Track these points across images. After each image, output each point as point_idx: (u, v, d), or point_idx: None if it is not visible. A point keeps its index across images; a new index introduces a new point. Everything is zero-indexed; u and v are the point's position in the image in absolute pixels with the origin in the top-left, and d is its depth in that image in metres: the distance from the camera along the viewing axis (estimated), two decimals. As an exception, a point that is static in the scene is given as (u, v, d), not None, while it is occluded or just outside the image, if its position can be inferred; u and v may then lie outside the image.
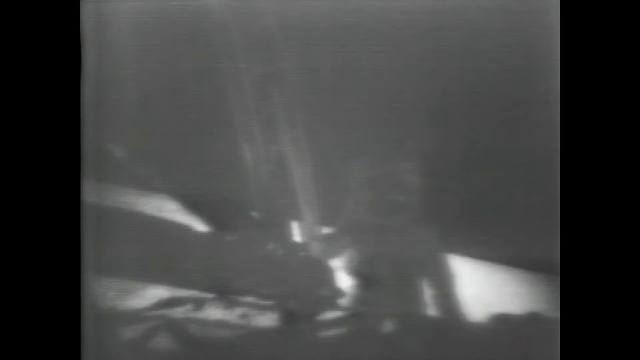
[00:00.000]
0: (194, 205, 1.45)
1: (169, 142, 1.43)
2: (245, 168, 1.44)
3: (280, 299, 1.42)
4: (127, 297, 1.42)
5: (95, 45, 1.39)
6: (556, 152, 1.32)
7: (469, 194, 1.42)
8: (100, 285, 1.40)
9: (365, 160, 1.43)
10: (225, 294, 1.42)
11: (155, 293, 1.43)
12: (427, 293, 1.42)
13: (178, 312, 1.42)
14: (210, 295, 1.42)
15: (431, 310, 1.41)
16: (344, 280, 1.43)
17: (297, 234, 1.45)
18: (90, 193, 1.38)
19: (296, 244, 1.45)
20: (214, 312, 1.42)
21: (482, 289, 1.42)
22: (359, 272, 1.43)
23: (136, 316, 1.42)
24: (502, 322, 1.39)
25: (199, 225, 1.45)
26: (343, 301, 1.43)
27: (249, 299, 1.42)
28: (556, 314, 1.31)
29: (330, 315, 1.42)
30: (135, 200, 1.43)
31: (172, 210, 1.45)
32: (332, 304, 1.43)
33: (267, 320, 1.42)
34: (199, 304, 1.42)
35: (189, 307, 1.42)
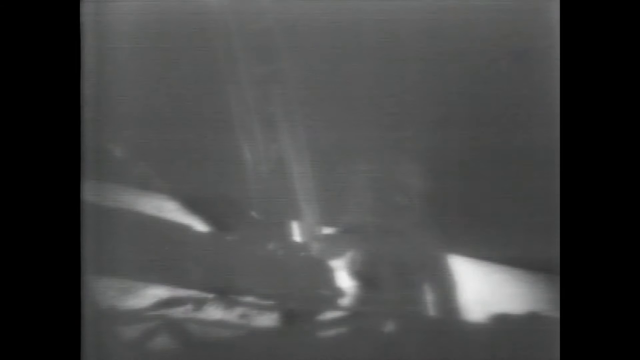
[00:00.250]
0: (194, 205, 1.45)
1: (169, 142, 1.43)
2: (245, 168, 1.44)
3: (280, 299, 1.42)
4: (127, 297, 1.42)
5: (95, 45, 1.39)
6: (556, 152, 1.32)
7: (469, 194, 1.42)
8: (100, 285, 1.40)
9: (365, 160, 1.43)
10: (225, 294, 1.42)
11: (155, 293, 1.43)
12: (427, 293, 1.42)
13: (178, 312, 1.42)
14: (210, 295, 1.42)
15: (431, 310, 1.41)
16: (345, 280, 1.43)
17: (297, 234, 1.45)
18: (90, 193, 1.38)
19: (296, 244, 1.45)
20: (214, 312, 1.42)
21: (482, 289, 1.42)
22: (359, 272, 1.43)
23: (136, 316, 1.42)
24: (502, 322, 1.39)
25: (199, 225, 1.45)
26: (343, 301, 1.43)
27: (249, 299, 1.42)
28: (556, 314, 1.31)
29: (330, 315, 1.42)
30: (135, 200, 1.43)
31: (172, 210, 1.45)
32: (332, 304, 1.43)
33: (267, 320, 1.42)
34: (199, 304, 1.42)
35: (189, 307, 1.42)
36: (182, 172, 1.43)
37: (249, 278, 1.43)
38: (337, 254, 1.45)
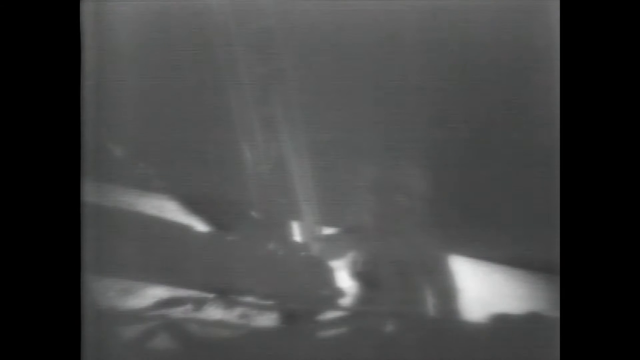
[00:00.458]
0: (194, 205, 1.45)
1: (169, 142, 1.43)
2: (245, 168, 1.44)
3: (280, 299, 1.42)
4: (127, 297, 1.42)
5: (95, 45, 1.39)
6: (556, 151, 1.32)
7: (469, 194, 1.42)
8: (100, 285, 1.40)
9: (365, 160, 1.43)
10: (225, 294, 1.42)
11: (155, 293, 1.43)
12: (427, 293, 1.42)
13: (178, 312, 1.42)
14: (210, 295, 1.42)
15: (431, 310, 1.41)
16: (345, 281, 1.43)
17: (297, 234, 1.45)
18: (90, 193, 1.38)
19: (296, 244, 1.45)
20: (214, 312, 1.42)
21: (482, 289, 1.42)
22: (360, 272, 1.43)
23: (136, 316, 1.42)
24: (502, 322, 1.39)
25: (199, 225, 1.45)
26: (343, 301, 1.43)
27: (249, 299, 1.42)
28: (556, 314, 1.31)
29: (330, 315, 1.42)
30: (135, 200, 1.43)
31: (172, 210, 1.45)
32: (332, 304, 1.43)
33: (267, 320, 1.42)
34: (199, 304, 1.42)
35: (189, 307, 1.42)
36: (182, 172, 1.43)
37: (249, 278, 1.43)
38: (337, 254, 1.45)
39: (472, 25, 1.41)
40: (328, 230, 1.46)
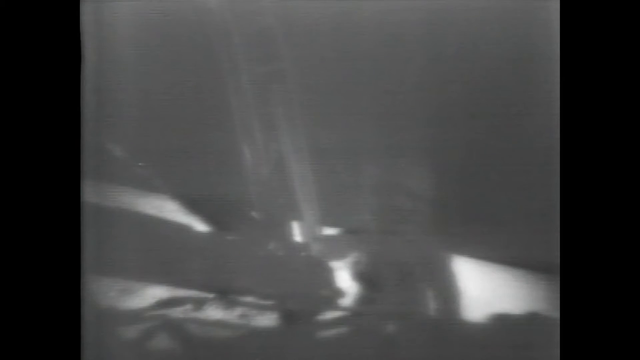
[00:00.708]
0: (194, 205, 1.45)
1: (169, 142, 1.43)
2: (245, 168, 1.44)
3: (280, 299, 1.42)
4: (127, 297, 1.42)
5: (95, 45, 1.39)
6: (556, 152, 1.32)
7: (469, 194, 1.42)
8: (100, 285, 1.40)
9: (365, 160, 1.43)
10: (225, 294, 1.42)
11: (155, 293, 1.43)
12: (427, 293, 1.42)
13: (178, 312, 1.42)
14: (210, 295, 1.42)
15: (431, 310, 1.41)
16: (346, 281, 1.43)
17: (297, 234, 1.45)
18: (90, 193, 1.38)
19: (296, 244, 1.45)
20: (214, 312, 1.42)
21: (482, 289, 1.42)
22: (360, 272, 1.43)
23: (136, 316, 1.42)
24: (502, 322, 1.39)
25: (199, 225, 1.45)
26: (344, 301, 1.43)
27: (249, 299, 1.42)
28: (556, 314, 1.31)
29: (330, 315, 1.42)
30: (135, 200, 1.43)
31: (172, 210, 1.45)
32: (332, 304, 1.43)
33: (267, 320, 1.42)
34: (199, 304, 1.42)
35: (189, 307, 1.42)
36: (182, 172, 1.43)
37: (249, 278, 1.43)
38: (338, 255, 1.45)
39: (473, 25, 1.41)
40: (328, 231, 1.46)
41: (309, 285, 1.43)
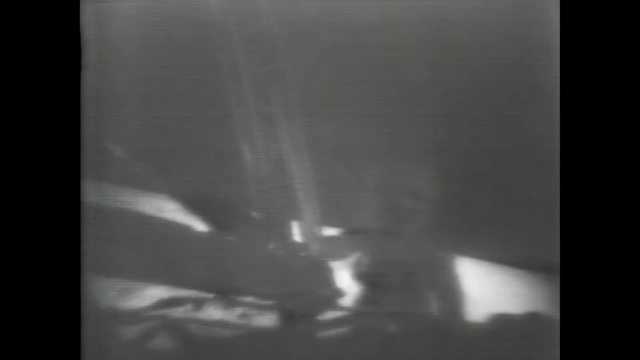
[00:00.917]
0: (194, 205, 1.45)
1: (169, 141, 1.43)
2: (245, 168, 1.44)
3: (280, 299, 1.42)
4: (127, 297, 1.42)
5: (95, 45, 1.39)
6: (556, 152, 1.32)
7: (469, 195, 1.42)
8: (100, 285, 1.40)
9: (365, 160, 1.43)
10: (225, 294, 1.42)
11: (155, 293, 1.43)
12: (427, 293, 1.42)
13: (178, 312, 1.42)
14: (210, 295, 1.42)
15: (431, 310, 1.41)
16: (346, 281, 1.43)
17: (297, 234, 1.45)
18: (90, 193, 1.38)
19: (296, 244, 1.45)
20: (214, 312, 1.42)
21: (482, 289, 1.42)
22: (359, 271, 1.43)
23: (136, 316, 1.42)
24: (502, 322, 1.39)
25: (199, 225, 1.45)
26: (343, 301, 1.43)
27: (249, 299, 1.42)
28: (556, 314, 1.31)
29: (330, 315, 1.42)
30: (135, 200, 1.43)
31: (172, 210, 1.45)
32: (332, 304, 1.43)
33: (267, 320, 1.42)
34: (199, 304, 1.42)
35: (189, 307, 1.42)
36: (182, 172, 1.43)
37: (249, 278, 1.43)
38: (338, 255, 1.44)
39: (473, 25, 1.41)
40: (328, 231, 1.46)
41: (309, 285, 1.43)
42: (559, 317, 1.27)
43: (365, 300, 1.42)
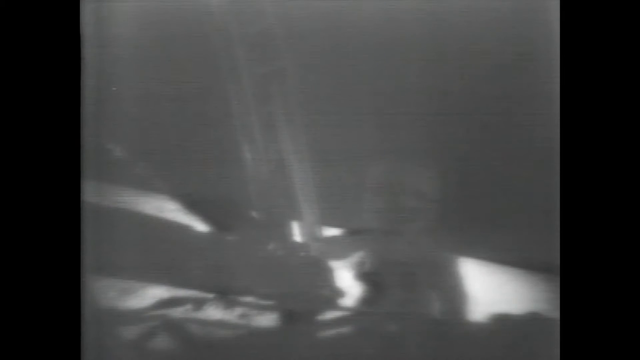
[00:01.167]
0: (194, 205, 1.45)
1: (169, 141, 1.43)
2: (246, 168, 1.44)
3: (280, 299, 1.42)
4: (127, 297, 1.42)
5: (95, 45, 1.39)
6: (556, 152, 1.32)
7: (469, 195, 1.42)
8: (100, 285, 1.40)
9: (365, 160, 1.43)
10: (225, 294, 1.42)
11: (155, 293, 1.43)
12: (428, 293, 1.42)
13: (178, 312, 1.42)
14: (210, 295, 1.42)
15: (431, 310, 1.41)
16: (346, 281, 1.43)
17: (297, 234, 1.45)
18: (90, 193, 1.38)
19: (296, 244, 1.45)
20: (214, 312, 1.42)
21: (482, 289, 1.42)
22: (359, 271, 1.43)
23: (136, 316, 1.42)
24: (502, 322, 1.39)
25: (199, 225, 1.45)
26: (343, 301, 1.43)
27: (249, 299, 1.42)
28: (556, 314, 1.31)
29: (330, 315, 1.42)
30: (135, 200, 1.43)
31: (172, 210, 1.45)
32: (332, 304, 1.43)
33: (267, 320, 1.42)
34: (199, 304, 1.42)
35: (189, 307, 1.42)
36: (182, 172, 1.43)
37: (249, 278, 1.43)
38: (337, 255, 1.44)
39: (473, 25, 1.41)
40: (328, 231, 1.46)
41: (309, 285, 1.43)
42: (559, 317, 1.27)
43: (365, 300, 1.42)
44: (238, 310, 1.42)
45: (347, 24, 1.42)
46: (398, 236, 1.43)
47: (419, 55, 1.42)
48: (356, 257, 1.44)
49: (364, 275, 1.43)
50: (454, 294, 1.42)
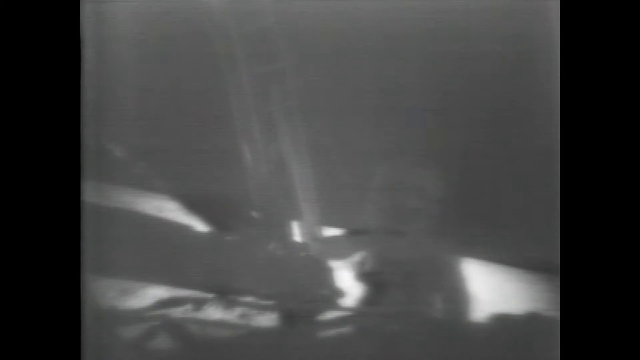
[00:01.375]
0: (194, 205, 1.45)
1: (169, 141, 1.43)
2: (245, 168, 1.44)
3: (280, 299, 1.42)
4: (127, 297, 1.42)
5: (95, 45, 1.39)
6: (556, 152, 1.32)
7: (468, 195, 1.42)
8: (100, 285, 1.40)
9: (365, 160, 1.43)
10: (225, 294, 1.42)
11: (155, 293, 1.43)
12: (428, 293, 1.42)
13: (178, 312, 1.42)
14: (210, 295, 1.42)
15: (431, 310, 1.41)
16: (346, 281, 1.43)
17: (297, 234, 1.45)
18: (90, 193, 1.38)
19: (296, 244, 1.45)
20: (214, 312, 1.42)
21: (482, 289, 1.42)
22: (359, 271, 1.43)
23: (136, 316, 1.42)
24: (502, 322, 1.39)
25: (199, 225, 1.45)
26: (343, 301, 1.43)
27: (249, 299, 1.42)
28: (556, 314, 1.31)
29: (330, 315, 1.42)
30: (135, 200, 1.43)
31: (172, 210, 1.45)
32: (332, 304, 1.43)
33: (267, 320, 1.42)
34: (199, 304, 1.42)
35: (189, 307, 1.42)
36: (182, 172, 1.43)
37: (249, 278, 1.43)
38: (337, 255, 1.45)
39: (473, 25, 1.41)
40: (328, 231, 1.46)
41: (309, 285, 1.43)
42: (559, 317, 1.27)
43: (365, 300, 1.42)
44: (238, 310, 1.42)
45: (347, 24, 1.42)
46: (398, 236, 1.43)
47: (419, 55, 1.42)
48: (356, 257, 1.44)
49: (364, 275, 1.43)
50: (454, 294, 1.42)
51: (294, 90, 1.43)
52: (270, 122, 1.44)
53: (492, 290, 1.41)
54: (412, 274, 1.42)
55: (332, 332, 1.41)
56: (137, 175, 1.43)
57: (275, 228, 1.45)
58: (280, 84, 1.43)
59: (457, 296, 1.42)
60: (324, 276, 1.44)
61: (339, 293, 1.43)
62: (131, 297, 1.42)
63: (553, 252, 1.32)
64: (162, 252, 1.42)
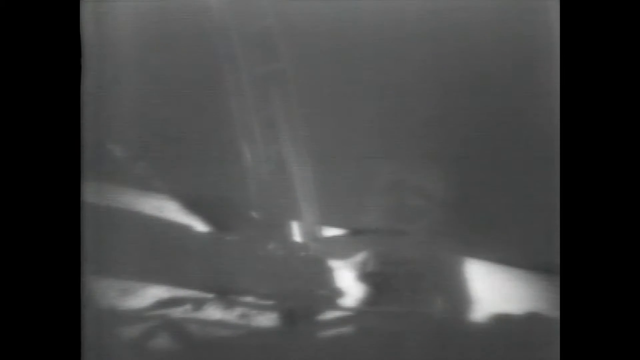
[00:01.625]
0: (194, 205, 1.45)
1: (169, 142, 1.43)
2: (245, 168, 1.44)
3: (280, 299, 1.42)
4: (127, 297, 1.42)
5: (95, 45, 1.39)
6: (556, 152, 1.32)
7: (468, 195, 1.42)
8: (100, 286, 1.40)
9: (365, 160, 1.43)
10: (225, 294, 1.42)
11: (155, 293, 1.43)
12: (428, 293, 1.42)
13: (178, 312, 1.42)
14: (210, 295, 1.42)
15: (432, 310, 1.41)
16: (345, 280, 1.43)
17: (297, 234, 1.45)
18: (90, 193, 1.38)
19: (296, 244, 1.45)
20: (214, 312, 1.42)
21: (482, 289, 1.42)
22: (359, 271, 1.43)
23: (136, 316, 1.42)
24: (502, 322, 1.39)
25: (199, 225, 1.45)
26: (343, 301, 1.43)
27: (249, 299, 1.42)
28: (556, 314, 1.31)
29: (330, 315, 1.42)
30: (135, 200, 1.43)
31: (172, 210, 1.45)
32: (332, 304, 1.43)
33: (267, 320, 1.42)
34: (199, 304, 1.42)
35: (189, 307, 1.42)
36: (182, 172, 1.43)
37: (249, 278, 1.43)
38: (337, 255, 1.45)
39: (473, 26, 1.41)
40: (328, 231, 1.46)
41: (309, 285, 1.43)
42: (559, 317, 1.27)
43: (365, 300, 1.43)
44: (238, 310, 1.42)
45: (347, 24, 1.42)
46: (399, 236, 1.43)
47: (420, 55, 1.42)
48: (356, 257, 1.44)
49: (364, 275, 1.43)
50: (454, 294, 1.42)
51: (294, 90, 1.43)
52: (270, 122, 1.44)
53: (492, 290, 1.41)
54: (412, 274, 1.42)
55: (331, 332, 1.41)
56: (137, 175, 1.43)
57: (275, 228, 1.45)
58: (281, 85, 1.43)
59: (457, 296, 1.42)
60: (324, 276, 1.44)
61: (338, 293, 1.43)
62: (131, 297, 1.42)
63: (553, 252, 1.32)
64: (162, 252, 1.42)
